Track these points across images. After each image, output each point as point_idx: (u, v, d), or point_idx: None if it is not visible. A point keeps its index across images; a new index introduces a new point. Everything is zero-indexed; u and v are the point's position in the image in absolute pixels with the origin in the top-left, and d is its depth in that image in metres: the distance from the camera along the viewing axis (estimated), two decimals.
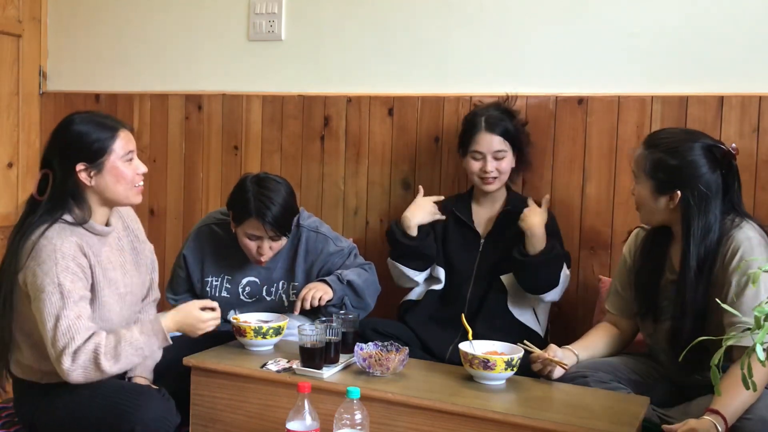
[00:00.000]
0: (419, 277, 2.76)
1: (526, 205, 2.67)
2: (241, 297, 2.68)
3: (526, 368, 2.13)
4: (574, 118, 2.83)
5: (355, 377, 2.07)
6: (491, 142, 2.65)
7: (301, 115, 3.27)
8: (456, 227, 2.75)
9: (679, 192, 2.08)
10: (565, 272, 2.61)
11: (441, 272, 2.73)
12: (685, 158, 2.08)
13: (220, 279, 2.68)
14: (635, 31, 2.74)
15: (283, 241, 2.57)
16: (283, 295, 2.68)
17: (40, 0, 3.81)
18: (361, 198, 3.20)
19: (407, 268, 2.73)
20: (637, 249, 2.31)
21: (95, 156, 2.06)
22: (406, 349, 2.12)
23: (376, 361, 2.06)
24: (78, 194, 2.08)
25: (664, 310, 2.18)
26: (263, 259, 2.56)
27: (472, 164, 2.69)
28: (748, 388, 1.55)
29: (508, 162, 2.68)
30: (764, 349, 1.37)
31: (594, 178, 2.82)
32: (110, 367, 1.99)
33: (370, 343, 2.16)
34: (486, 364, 1.99)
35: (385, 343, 2.14)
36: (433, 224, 2.76)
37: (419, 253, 2.71)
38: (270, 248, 2.55)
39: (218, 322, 2.21)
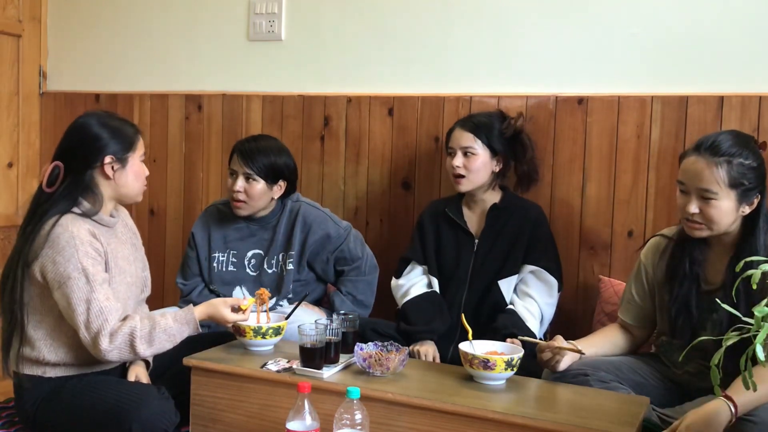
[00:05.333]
0: None
1: (521, 204, 2.66)
2: (247, 270, 2.80)
3: (526, 368, 2.13)
4: (574, 118, 2.83)
5: (355, 377, 2.07)
6: (460, 137, 2.65)
7: (301, 115, 3.27)
8: (449, 229, 2.72)
9: (759, 195, 2.02)
10: (551, 301, 2.58)
11: (435, 282, 2.70)
12: (756, 158, 2.02)
13: (226, 254, 2.80)
14: (635, 31, 2.74)
15: (259, 186, 2.67)
16: (282, 265, 2.77)
17: (40, 0, 3.81)
18: (361, 198, 3.20)
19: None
20: (661, 261, 2.22)
21: (123, 150, 2.18)
22: (406, 349, 2.12)
23: (376, 361, 2.06)
24: (92, 187, 2.17)
25: (702, 320, 2.12)
26: (235, 197, 2.69)
27: (447, 162, 2.70)
28: (747, 387, 1.55)
29: (480, 162, 2.62)
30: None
31: (594, 178, 2.82)
32: (144, 351, 2.08)
33: (370, 343, 2.16)
34: (486, 364, 1.99)
35: (385, 343, 2.14)
36: (423, 230, 2.74)
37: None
38: (242, 189, 2.67)
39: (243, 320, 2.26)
